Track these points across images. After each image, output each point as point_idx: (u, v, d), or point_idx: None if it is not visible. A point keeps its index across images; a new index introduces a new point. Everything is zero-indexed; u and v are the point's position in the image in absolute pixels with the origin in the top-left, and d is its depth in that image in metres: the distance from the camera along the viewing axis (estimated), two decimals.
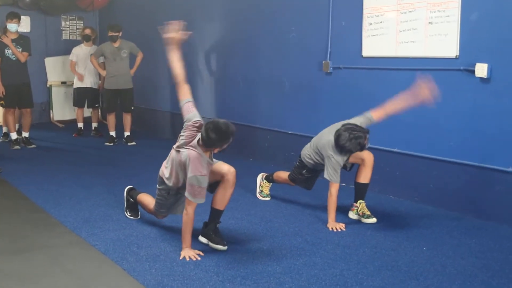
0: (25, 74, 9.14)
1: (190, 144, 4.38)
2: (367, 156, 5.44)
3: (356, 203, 5.53)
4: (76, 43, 11.32)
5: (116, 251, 4.58)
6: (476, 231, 5.23)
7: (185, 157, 4.36)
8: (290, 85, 7.74)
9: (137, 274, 4.10)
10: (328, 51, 7.09)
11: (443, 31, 5.82)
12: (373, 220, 5.42)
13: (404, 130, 6.11)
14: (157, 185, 4.86)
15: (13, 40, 8.88)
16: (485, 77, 5.46)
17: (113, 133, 9.82)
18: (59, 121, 12.19)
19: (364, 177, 5.49)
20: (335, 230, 5.17)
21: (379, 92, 6.41)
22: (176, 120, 10.31)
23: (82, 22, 12.60)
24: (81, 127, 10.68)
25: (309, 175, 5.74)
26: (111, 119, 9.77)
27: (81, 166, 8.04)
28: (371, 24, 6.51)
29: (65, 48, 12.07)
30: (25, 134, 9.36)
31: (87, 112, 10.95)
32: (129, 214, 5.50)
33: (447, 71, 5.79)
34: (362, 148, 5.09)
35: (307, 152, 5.62)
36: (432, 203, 5.97)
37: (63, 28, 12.59)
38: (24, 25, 11.26)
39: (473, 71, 5.55)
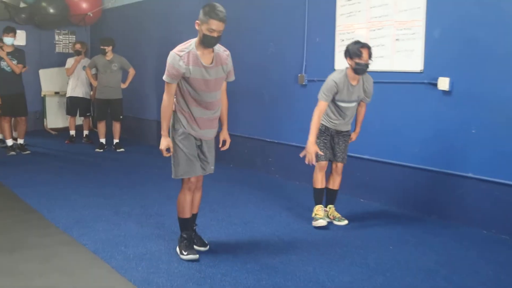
0: (19, 85, 9.11)
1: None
2: (339, 164, 5.40)
3: (326, 207, 5.51)
4: (69, 55, 11.29)
5: (105, 250, 4.57)
6: (438, 231, 5.28)
7: None
8: (268, 96, 7.78)
9: (125, 272, 4.09)
10: (304, 65, 7.14)
11: (409, 47, 5.88)
12: (345, 222, 5.43)
13: (373, 139, 6.16)
14: None
15: (8, 53, 8.86)
16: (447, 90, 5.52)
17: (103, 140, 9.80)
18: (52, 129, 12.14)
19: (333, 183, 5.47)
20: (309, 159, 5.01)
21: None
22: None
23: (74, 36, 12.58)
24: (73, 135, 10.65)
25: (325, 141, 5.32)
26: (101, 127, 9.76)
27: (73, 170, 8.00)
28: (343, 40, 6.56)
29: (59, 61, 12.10)
30: (20, 141, 9.34)
31: (79, 120, 10.91)
32: (186, 255, 4.36)
33: (412, 84, 5.85)
34: (359, 54, 4.95)
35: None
36: (398, 206, 6.02)
37: (57, 42, 12.58)
38: (20, 38, 11.26)
39: (436, 84, 5.61)
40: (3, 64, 8.85)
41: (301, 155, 5.11)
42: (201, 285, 3.86)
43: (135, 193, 6.63)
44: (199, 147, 4.37)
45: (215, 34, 4.01)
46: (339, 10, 6.62)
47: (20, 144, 9.32)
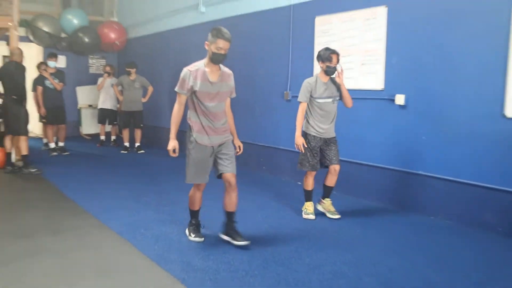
0: (60, 99, 9.12)
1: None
2: (336, 167, 5.10)
3: (323, 199, 5.27)
4: (100, 76, 11.28)
5: (128, 232, 4.55)
6: (398, 218, 5.28)
7: None
8: (260, 109, 7.77)
9: (144, 249, 4.09)
10: (288, 84, 7.14)
11: (372, 70, 5.89)
12: (337, 216, 5.15)
13: (344, 144, 6.14)
14: None
15: (51, 74, 8.93)
16: (403, 104, 5.54)
17: (127, 144, 9.78)
18: (86, 135, 12.12)
19: (330, 181, 5.18)
20: (299, 147, 4.98)
21: None
22: None
23: (104, 60, 12.55)
24: (103, 139, 10.62)
25: (309, 149, 5.06)
26: (125, 133, 9.75)
27: (103, 168, 7.98)
28: None
29: (92, 80, 12.09)
30: (61, 144, 9.32)
31: (108, 128, 10.90)
32: (193, 237, 4.37)
33: (375, 100, 5.86)
34: (329, 59, 4.87)
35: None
36: (366, 198, 6.02)
37: (90, 65, 12.55)
38: (61, 62, 11.27)
39: (394, 100, 5.62)
40: (47, 82, 8.87)
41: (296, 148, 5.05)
42: (206, 261, 3.85)
43: (152, 186, 6.61)
44: (215, 153, 4.17)
45: (222, 52, 3.94)
46: (317, 40, 6.62)
47: (61, 146, 9.29)
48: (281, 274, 3.63)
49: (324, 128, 5.06)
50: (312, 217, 5.15)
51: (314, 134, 5.07)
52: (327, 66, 4.94)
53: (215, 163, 4.22)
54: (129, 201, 5.73)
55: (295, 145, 5.05)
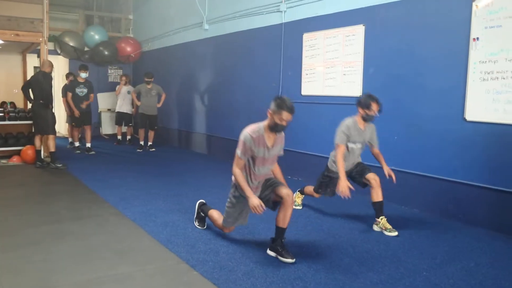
0: (88, 105, 9.09)
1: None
2: (374, 178, 4.34)
3: (378, 218, 4.33)
4: (117, 84, 11.27)
5: (141, 219, 4.56)
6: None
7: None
8: (255, 113, 7.76)
9: (154, 234, 4.10)
10: (280, 90, 7.15)
11: (352, 79, 5.91)
12: (395, 233, 4.19)
13: (328, 142, 6.15)
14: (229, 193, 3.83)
15: (81, 83, 8.91)
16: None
17: (141, 143, 9.75)
18: (105, 135, 12.09)
19: (376, 196, 4.32)
20: (343, 193, 4.09)
21: (311, 118, 6.49)
22: (182, 134, 10.28)
23: (121, 70, 12.53)
24: (119, 139, 10.61)
25: (328, 179, 4.62)
26: (141, 133, 9.73)
27: (120, 164, 7.96)
28: (307, 74, 6.59)
29: (111, 87, 12.06)
30: (88, 145, 9.22)
31: (124, 129, 10.88)
32: (198, 224, 4.34)
33: (354, 105, 5.86)
34: (368, 106, 4.23)
35: (331, 155, 4.61)
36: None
37: (109, 74, 12.52)
38: None
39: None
40: (78, 90, 8.88)
41: (340, 193, 4.20)
42: (207, 244, 3.87)
43: (162, 179, 6.61)
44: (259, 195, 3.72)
45: (284, 123, 3.48)
46: (304, 54, 6.63)
47: (88, 147, 9.20)
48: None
49: (347, 164, 4.46)
50: (299, 207, 5.15)
51: (333, 169, 4.52)
52: (366, 114, 4.30)
53: (264, 197, 3.73)
54: (142, 192, 5.73)
55: (340, 190, 4.14)
